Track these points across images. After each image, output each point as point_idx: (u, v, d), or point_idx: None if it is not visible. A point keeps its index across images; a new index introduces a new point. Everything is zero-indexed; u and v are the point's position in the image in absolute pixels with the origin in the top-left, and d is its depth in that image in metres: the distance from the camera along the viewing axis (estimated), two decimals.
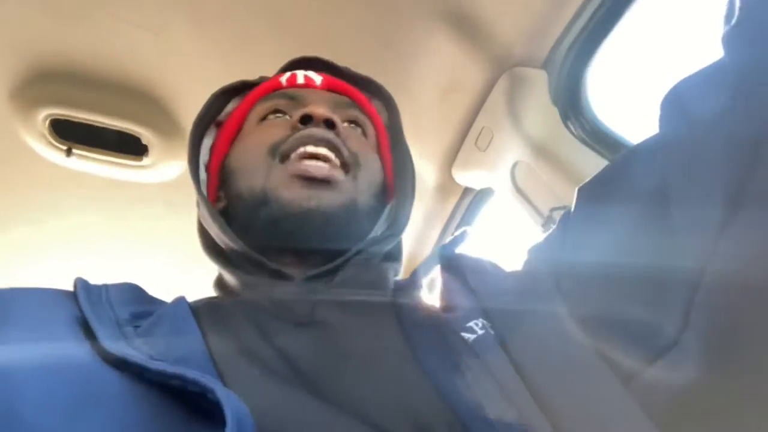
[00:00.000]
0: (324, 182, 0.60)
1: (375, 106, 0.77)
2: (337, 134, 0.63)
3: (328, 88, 0.73)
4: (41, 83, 1.13)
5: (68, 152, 1.23)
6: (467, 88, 1.16)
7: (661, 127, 0.51)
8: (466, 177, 1.28)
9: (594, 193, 0.57)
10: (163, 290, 0.62)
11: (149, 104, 1.20)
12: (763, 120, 0.41)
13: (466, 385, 0.47)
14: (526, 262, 0.63)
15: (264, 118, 0.69)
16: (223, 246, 0.62)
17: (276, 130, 0.65)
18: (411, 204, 0.69)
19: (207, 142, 0.72)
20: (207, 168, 0.71)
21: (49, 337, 0.45)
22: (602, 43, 0.99)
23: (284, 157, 0.61)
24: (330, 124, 0.63)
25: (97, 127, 1.20)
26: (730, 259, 0.40)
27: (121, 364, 0.42)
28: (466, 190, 1.37)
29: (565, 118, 1.03)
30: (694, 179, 0.45)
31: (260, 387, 0.45)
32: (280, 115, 0.68)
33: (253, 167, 0.62)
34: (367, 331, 0.52)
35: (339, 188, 0.61)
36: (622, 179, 0.53)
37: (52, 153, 1.24)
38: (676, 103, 0.49)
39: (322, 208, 0.58)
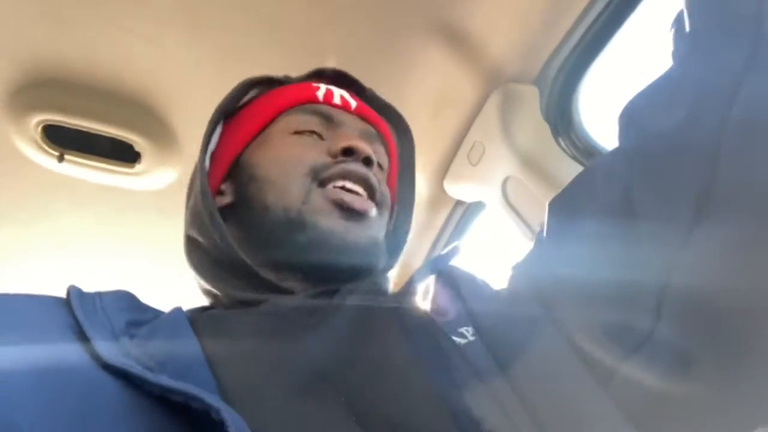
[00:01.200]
0: (360, 215, 0.62)
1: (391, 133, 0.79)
2: (374, 173, 0.65)
3: (361, 114, 0.73)
4: (35, 89, 1.13)
5: (60, 158, 1.22)
6: (460, 103, 1.17)
7: (619, 141, 0.52)
8: (457, 190, 1.29)
9: (562, 207, 0.58)
10: (155, 298, 0.62)
11: (143, 112, 1.20)
12: (718, 133, 0.41)
13: (455, 386, 0.48)
14: (510, 279, 0.64)
15: (298, 132, 0.68)
16: (214, 251, 0.62)
17: (314, 152, 0.65)
18: (408, 233, 0.72)
19: (217, 132, 0.71)
20: (212, 156, 0.69)
21: (45, 345, 0.44)
22: (594, 61, 1.00)
23: (323, 183, 0.62)
24: (368, 162, 0.65)
25: (90, 133, 1.20)
26: (694, 266, 0.41)
27: (121, 376, 0.41)
28: (458, 203, 1.37)
29: (556, 133, 1.04)
30: (655, 191, 0.46)
31: (260, 396, 0.44)
32: (316, 135, 0.68)
33: (289, 185, 0.62)
34: (369, 336, 0.52)
35: (371, 224, 0.63)
36: (587, 192, 0.55)
37: (44, 158, 1.23)
38: (631, 117, 0.50)
39: (357, 244, 0.60)
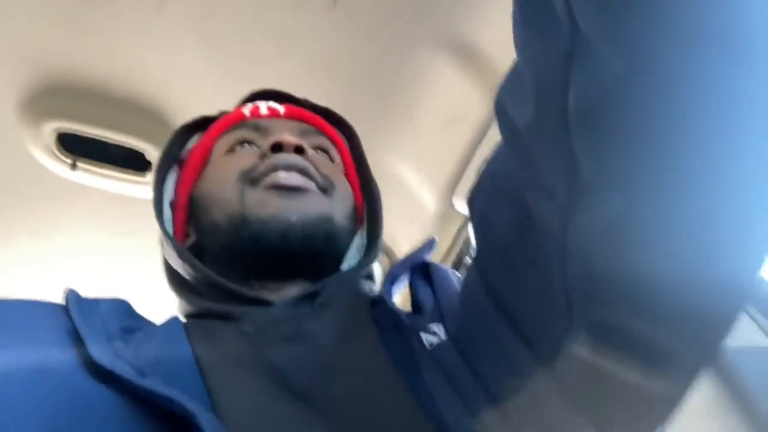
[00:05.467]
0: (297, 190, 0.61)
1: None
2: (307, 160, 0.64)
3: (291, 116, 0.74)
4: (50, 96, 1.14)
5: (73, 165, 1.24)
6: (470, 119, 1.17)
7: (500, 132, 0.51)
8: (467, 206, 1.28)
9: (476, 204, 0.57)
10: (159, 308, 0.62)
11: (155, 121, 1.21)
12: (566, 128, 0.40)
13: (428, 393, 0.47)
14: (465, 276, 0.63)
15: (231, 150, 0.69)
16: (194, 282, 0.62)
17: (245, 159, 0.66)
18: (382, 227, 0.71)
19: (171, 181, 0.72)
20: (172, 206, 0.70)
21: (36, 348, 0.45)
22: None
23: (255, 182, 0.62)
24: (300, 151, 0.65)
25: (103, 141, 1.22)
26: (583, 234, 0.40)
27: (110, 378, 0.42)
28: (468, 219, 1.37)
29: None
30: (533, 179, 0.44)
31: (249, 401, 0.45)
32: (247, 145, 0.69)
33: (226, 195, 0.63)
34: (350, 342, 0.52)
35: (314, 199, 0.62)
36: (492, 188, 0.54)
37: (57, 166, 1.25)
38: (502, 107, 0.48)
39: (302, 220, 0.59)
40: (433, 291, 0.63)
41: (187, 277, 0.63)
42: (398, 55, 1.11)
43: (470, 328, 0.54)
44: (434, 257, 1.45)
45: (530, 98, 0.41)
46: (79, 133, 1.19)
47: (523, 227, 0.47)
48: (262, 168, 0.63)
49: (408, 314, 0.60)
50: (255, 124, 0.71)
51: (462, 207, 1.29)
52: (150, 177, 1.30)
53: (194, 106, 1.20)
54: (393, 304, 0.58)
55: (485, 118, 1.15)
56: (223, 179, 0.64)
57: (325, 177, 0.65)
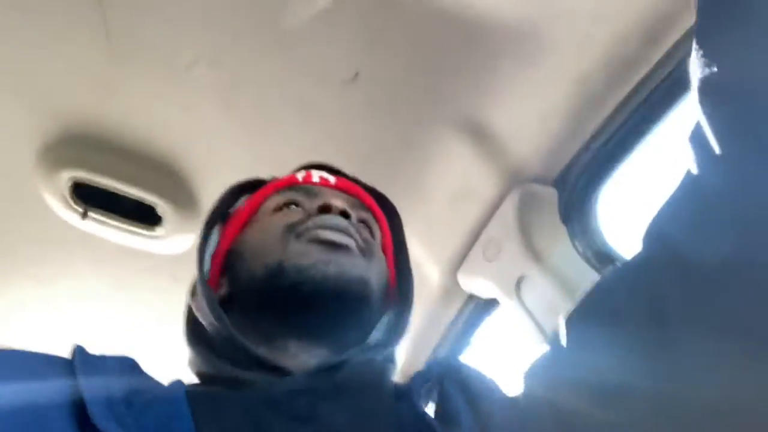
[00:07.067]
0: (341, 246, 0.61)
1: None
2: (356, 228, 0.65)
3: (341, 188, 0.75)
4: (70, 146, 1.17)
5: (84, 215, 1.25)
6: (478, 198, 1.18)
7: (645, 254, 0.51)
8: (471, 284, 1.27)
9: (581, 315, 0.56)
10: (164, 363, 0.61)
11: (170, 177, 1.23)
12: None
13: None
14: (524, 385, 0.61)
15: (279, 209, 0.69)
16: (215, 338, 0.61)
17: (293, 216, 0.67)
18: (411, 312, 0.69)
19: (215, 235, 0.73)
20: (212, 257, 0.71)
21: (37, 404, 0.44)
22: (616, 168, 1.01)
23: (300, 235, 0.62)
24: (346, 216, 0.65)
25: (115, 193, 1.23)
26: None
27: None
28: (471, 297, 1.36)
29: (573, 236, 1.04)
30: (699, 320, 0.44)
31: None
32: (294, 207, 0.69)
33: (269, 245, 0.63)
34: None
35: (354, 259, 0.61)
36: (607, 304, 0.53)
37: (68, 214, 1.26)
38: (660, 234, 0.48)
39: (341, 274, 0.59)
40: (470, 406, 0.59)
41: (209, 329, 0.61)
42: (412, 131, 1.14)
43: None
44: (434, 333, 1.43)
45: (727, 236, 0.41)
46: (94, 184, 1.21)
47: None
48: (309, 223, 0.63)
49: (435, 421, 0.57)
50: (306, 189, 0.72)
51: (466, 285, 1.29)
52: (159, 231, 1.30)
53: (212, 167, 1.23)
54: (424, 411, 0.56)
55: (494, 199, 1.16)
56: (268, 231, 0.65)
57: (365, 242, 0.66)
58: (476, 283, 1.26)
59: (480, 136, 1.11)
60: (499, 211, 1.16)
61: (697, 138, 0.46)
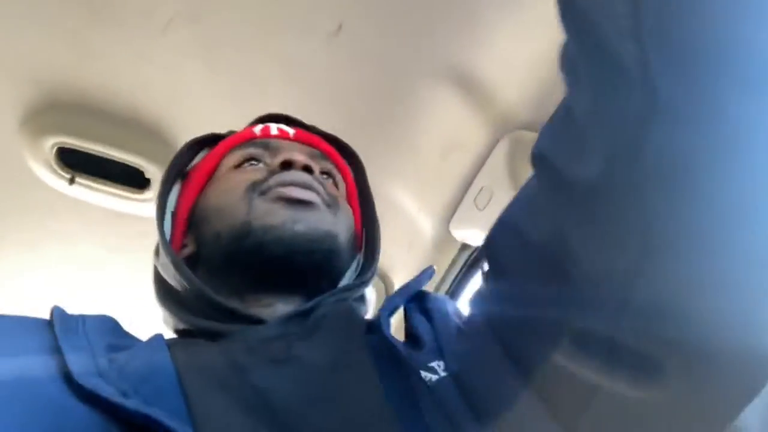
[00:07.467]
0: (306, 203, 0.61)
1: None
2: (319, 182, 0.65)
3: (300, 140, 0.75)
4: (53, 112, 1.15)
5: (71, 180, 1.24)
6: (468, 148, 1.18)
7: (538, 182, 0.51)
8: (463, 234, 1.28)
9: (494, 247, 0.56)
10: (150, 325, 0.62)
11: (156, 139, 1.21)
12: (638, 184, 0.40)
13: (427, 431, 0.47)
14: (468, 314, 0.63)
15: (239, 166, 0.69)
16: (185, 296, 0.61)
17: (254, 173, 0.66)
18: (378, 253, 0.71)
19: (174, 193, 0.72)
20: (173, 216, 0.70)
21: (18, 363, 0.45)
22: None
23: (263, 193, 0.62)
24: (308, 171, 0.65)
25: (102, 157, 1.22)
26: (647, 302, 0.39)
27: (91, 397, 0.42)
28: (464, 247, 1.37)
29: None
30: (594, 237, 0.44)
31: (231, 425, 0.44)
32: (255, 162, 0.69)
33: (232, 205, 0.63)
34: (343, 369, 0.51)
35: (320, 214, 0.62)
36: (516, 233, 0.53)
37: (55, 180, 1.25)
38: (544, 159, 0.48)
39: (309, 232, 0.59)
40: (431, 324, 0.62)
41: (179, 288, 0.62)
42: (399, 83, 1.13)
43: (474, 367, 0.53)
44: (429, 283, 1.45)
45: (596, 157, 0.41)
46: (79, 149, 1.20)
47: (550, 276, 0.46)
48: (271, 181, 0.63)
49: (404, 346, 0.59)
50: (264, 143, 0.72)
51: (459, 234, 1.30)
52: (148, 194, 1.30)
53: (196, 127, 1.20)
54: (392, 336, 0.57)
55: (484, 147, 1.16)
56: (231, 190, 0.65)
57: (330, 196, 0.66)
58: (468, 233, 1.27)
59: (468, 84, 1.10)
60: (489, 159, 1.16)
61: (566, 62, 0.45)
